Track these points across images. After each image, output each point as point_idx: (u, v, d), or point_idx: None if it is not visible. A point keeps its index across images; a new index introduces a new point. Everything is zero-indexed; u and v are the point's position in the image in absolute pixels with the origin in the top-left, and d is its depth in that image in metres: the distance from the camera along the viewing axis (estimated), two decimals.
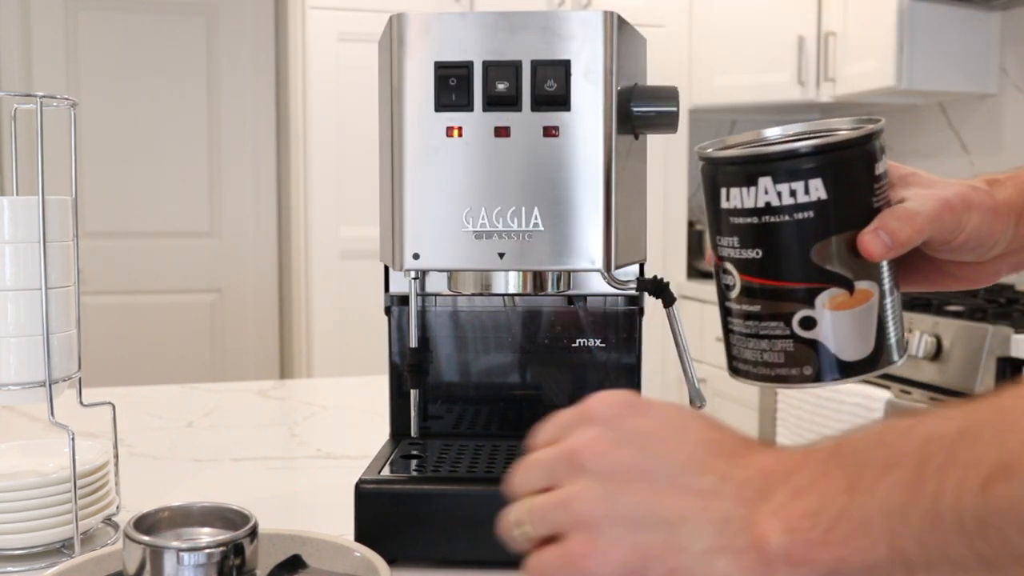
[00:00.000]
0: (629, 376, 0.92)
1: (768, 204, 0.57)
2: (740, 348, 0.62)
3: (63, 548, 0.82)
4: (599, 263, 0.77)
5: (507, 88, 0.76)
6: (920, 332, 2.26)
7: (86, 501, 0.82)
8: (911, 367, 2.29)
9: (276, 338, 3.79)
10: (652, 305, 0.88)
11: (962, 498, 0.36)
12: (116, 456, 0.89)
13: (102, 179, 3.56)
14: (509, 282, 0.81)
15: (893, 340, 0.61)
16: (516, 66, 0.76)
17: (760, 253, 0.59)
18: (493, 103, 0.76)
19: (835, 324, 0.59)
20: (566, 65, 0.76)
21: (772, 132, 0.66)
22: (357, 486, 0.78)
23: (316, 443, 1.23)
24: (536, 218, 0.77)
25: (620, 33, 0.77)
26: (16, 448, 0.91)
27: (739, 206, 0.59)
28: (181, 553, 0.63)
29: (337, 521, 0.83)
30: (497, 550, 0.78)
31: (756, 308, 0.60)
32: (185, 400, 1.48)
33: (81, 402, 0.85)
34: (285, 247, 3.66)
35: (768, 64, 3.25)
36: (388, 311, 0.92)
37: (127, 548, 0.64)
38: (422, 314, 0.92)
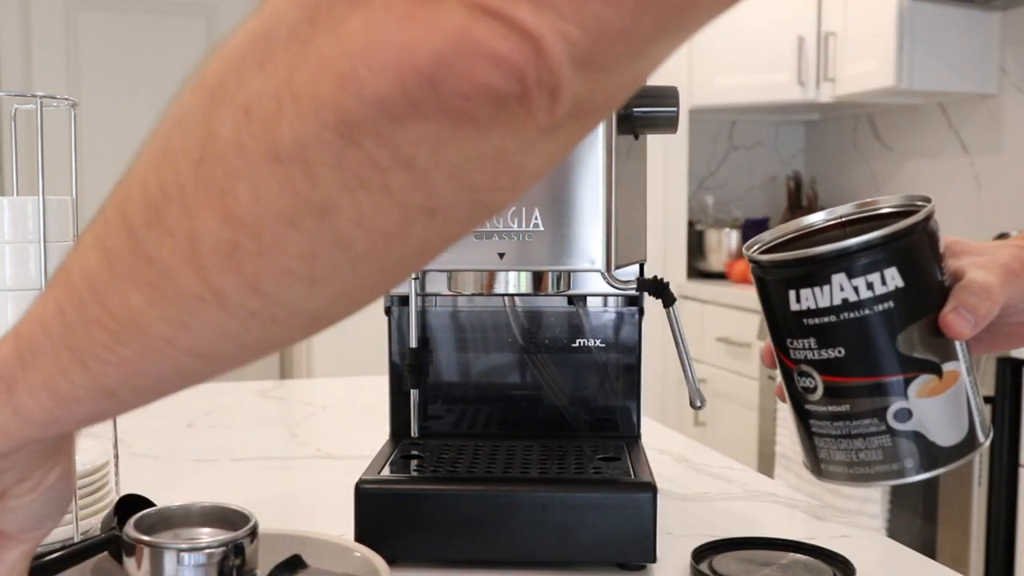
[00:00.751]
0: (629, 376, 0.92)
1: (846, 300, 0.56)
2: (830, 451, 0.60)
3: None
4: (599, 263, 0.77)
5: None
6: None
7: (86, 501, 0.82)
8: None
9: None
10: (652, 305, 0.88)
11: None
12: (116, 456, 0.89)
13: (102, 179, 3.55)
14: (509, 282, 0.81)
15: (981, 417, 0.60)
16: None
17: (843, 351, 0.57)
18: None
19: (930, 411, 0.58)
20: None
21: (816, 218, 0.65)
22: (357, 486, 0.78)
23: (316, 443, 1.23)
24: (536, 218, 0.77)
25: None
26: None
27: (813, 306, 0.57)
28: (181, 553, 0.63)
29: (337, 521, 0.83)
30: (497, 550, 0.78)
31: (845, 408, 0.58)
32: (185, 400, 1.48)
33: None
34: None
35: (768, 64, 3.25)
36: (388, 311, 0.92)
37: (127, 548, 0.64)
38: (422, 314, 0.92)
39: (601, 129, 0.76)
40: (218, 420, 1.35)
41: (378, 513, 0.77)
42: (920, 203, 0.60)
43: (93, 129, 3.51)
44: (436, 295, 0.91)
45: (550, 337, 0.92)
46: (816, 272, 0.56)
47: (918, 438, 0.58)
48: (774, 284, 0.59)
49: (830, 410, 0.59)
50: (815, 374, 0.59)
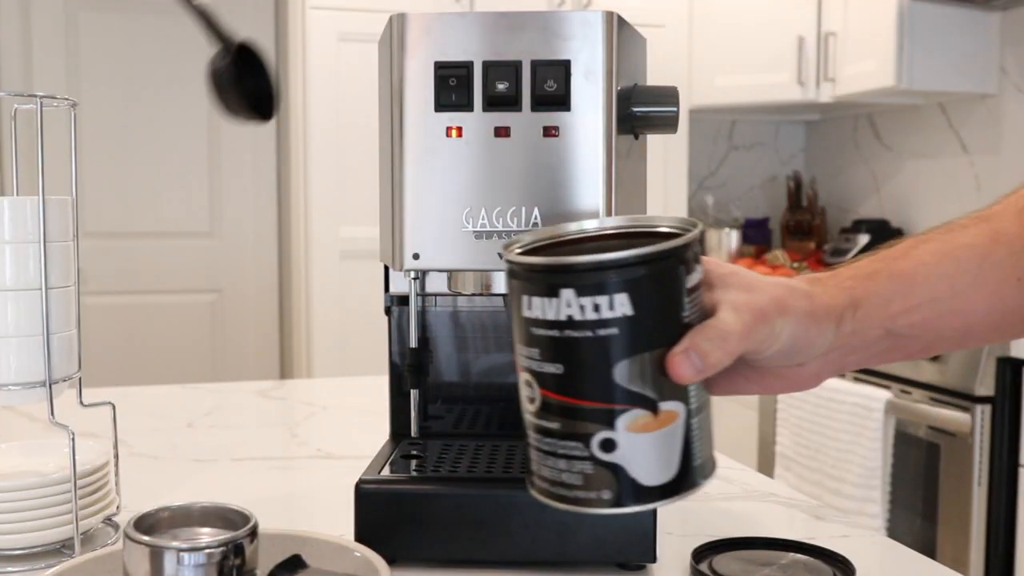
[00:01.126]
0: None
1: (571, 318, 0.53)
2: (539, 465, 0.58)
3: (63, 548, 0.82)
4: None
5: (507, 88, 0.76)
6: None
7: (86, 501, 0.82)
8: (911, 367, 2.29)
9: (276, 338, 3.79)
10: None
11: None
12: (116, 456, 0.89)
13: (102, 179, 3.56)
14: None
15: (699, 461, 0.57)
16: (516, 66, 0.76)
17: (561, 368, 0.54)
18: (493, 103, 0.76)
19: (637, 448, 0.55)
20: (566, 65, 0.76)
21: (589, 225, 0.61)
22: (357, 486, 0.78)
23: (316, 443, 1.23)
24: (536, 218, 0.77)
25: (620, 33, 0.77)
26: (16, 448, 0.91)
27: (540, 317, 0.54)
28: (181, 553, 0.63)
29: (337, 521, 0.83)
30: (497, 550, 0.78)
31: (555, 425, 0.56)
32: (185, 400, 1.48)
33: (81, 402, 0.85)
34: (285, 247, 3.66)
35: (768, 64, 3.25)
36: (388, 311, 0.92)
37: (127, 548, 0.64)
38: (422, 314, 0.92)
39: (601, 129, 0.76)
40: (218, 420, 1.35)
41: (378, 513, 0.77)
42: (681, 230, 0.58)
43: (93, 129, 3.51)
44: (436, 295, 0.91)
45: None
46: (547, 283, 0.54)
47: (620, 471, 0.55)
48: (513, 286, 0.56)
49: (542, 424, 0.57)
50: (535, 385, 0.56)
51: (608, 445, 0.55)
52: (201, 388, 1.58)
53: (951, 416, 2.19)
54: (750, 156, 3.89)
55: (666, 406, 0.55)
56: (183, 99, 3.64)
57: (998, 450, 2.13)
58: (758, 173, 3.90)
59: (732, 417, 3.12)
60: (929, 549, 2.24)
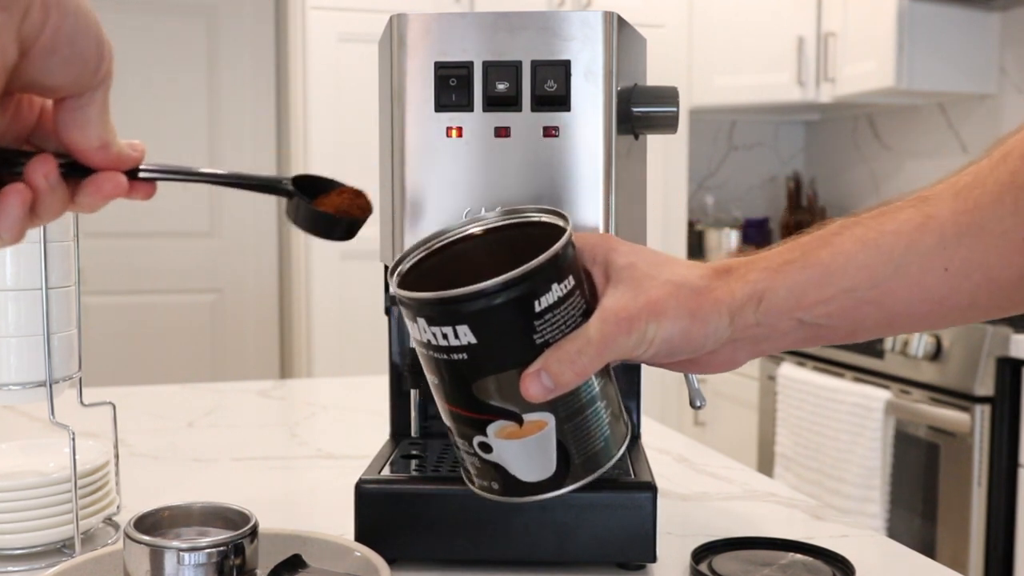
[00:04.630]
0: (629, 376, 0.91)
1: (429, 342, 0.57)
2: (456, 452, 0.63)
3: (63, 548, 0.82)
4: None
5: (507, 88, 0.76)
6: (920, 332, 2.26)
7: (86, 501, 0.82)
8: (911, 367, 2.29)
9: (276, 338, 3.79)
10: None
11: None
12: (116, 456, 0.90)
13: None
14: None
15: (581, 459, 0.60)
16: (516, 66, 0.76)
17: (436, 380, 0.59)
18: (493, 103, 0.76)
19: (509, 451, 0.59)
20: (566, 65, 0.76)
21: (468, 225, 0.64)
22: (357, 486, 0.78)
23: (316, 443, 1.23)
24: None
25: (620, 33, 0.77)
26: (16, 448, 0.91)
27: (413, 335, 0.59)
28: (181, 553, 0.63)
29: (337, 521, 0.83)
30: (497, 550, 0.78)
31: (449, 424, 0.61)
32: (185, 400, 1.48)
33: (81, 402, 0.85)
34: (285, 247, 3.66)
35: (768, 64, 3.25)
36: (388, 311, 0.92)
37: (127, 548, 0.64)
38: None
39: (601, 129, 0.76)
40: (218, 420, 1.35)
41: (378, 513, 0.77)
42: (554, 223, 0.60)
43: None
44: None
45: None
46: (407, 310, 0.58)
47: (499, 468, 0.60)
48: (399, 306, 0.60)
49: (446, 423, 0.62)
50: (432, 391, 0.61)
51: (485, 447, 0.60)
52: (201, 388, 1.58)
53: (951, 416, 2.19)
54: (750, 156, 3.89)
55: (532, 417, 0.58)
56: (183, 99, 3.64)
57: (998, 450, 2.13)
58: (758, 173, 3.90)
59: (732, 417, 3.12)
60: (929, 549, 2.24)
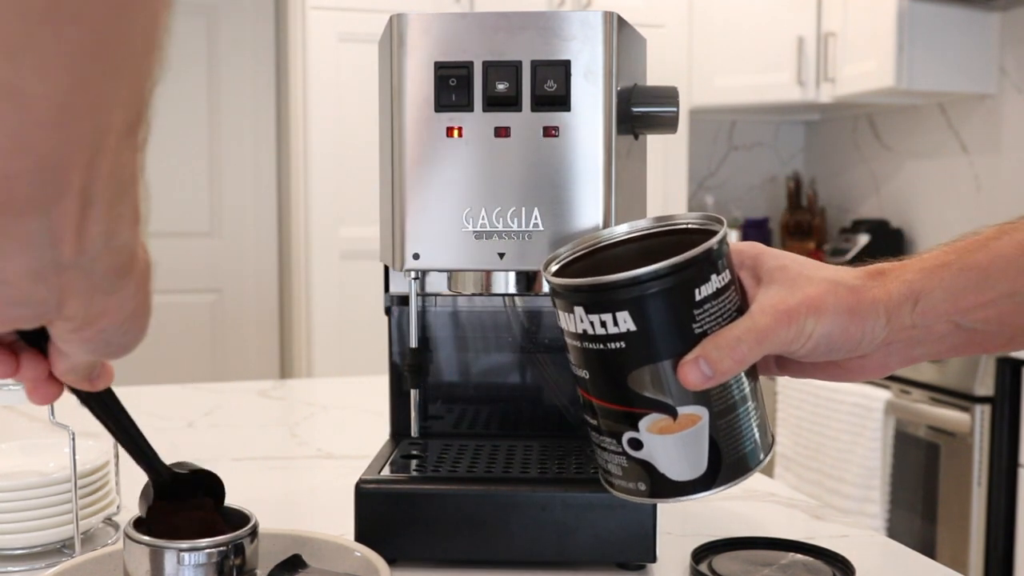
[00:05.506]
0: None
1: (585, 332, 0.57)
2: (594, 453, 0.63)
3: (63, 548, 0.82)
4: None
5: (507, 88, 0.76)
6: None
7: (86, 501, 0.82)
8: (911, 367, 2.29)
9: (276, 338, 3.79)
10: None
11: None
12: (116, 456, 0.89)
13: None
14: (509, 282, 0.81)
15: (733, 458, 0.60)
16: (516, 66, 0.76)
17: (587, 374, 0.59)
18: (493, 103, 0.76)
19: (660, 447, 0.58)
20: (566, 65, 0.76)
21: (620, 230, 0.65)
22: (357, 486, 0.78)
23: (316, 443, 1.23)
24: (536, 218, 0.77)
25: (620, 33, 0.77)
26: (16, 448, 0.91)
27: (566, 328, 0.59)
28: (181, 553, 0.63)
29: (337, 521, 0.83)
30: (497, 550, 0.78)
31: (594, 422, 0.61)
32: (185, 400, 1.48)
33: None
34: (285, 247, 3.66)
35: (768, 64, 3.25)
36: (388, 311, 0.92)
37: (127, 548, 0.64)
38: (422, 314, 0.92)
39: (601, 129, 0.76)
40: (218, 420, 1.35)
41: (378, 513, 0.77)
42: (705, 230, 0.60)
43: None
44: (436, 295, 0.91)
45: (550, 337, 0.92)
46: (564, 300, 0.58)
47: (649, 467, 0.59)
48: (553, 298, 0.60)
49: (587, 419, 0.61)
50: (578, 385, 0.61)
51: (635, 444, 0.59)
52: (201, 388, 1.58)
53: (951, 416, 2.19)
54: (750, 156, 3.89)
55: (686, 410, 0.57)
56: (183, 99, 3.64)
57: (998, 450, 2.13)
58: (758, 173, 3.90)
59: None
60: (929, 549, 2.24)
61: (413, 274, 0.85)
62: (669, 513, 0.92)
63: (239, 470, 1.10)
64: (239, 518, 0.67)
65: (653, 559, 0.77)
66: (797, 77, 3.19)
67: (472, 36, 0.76)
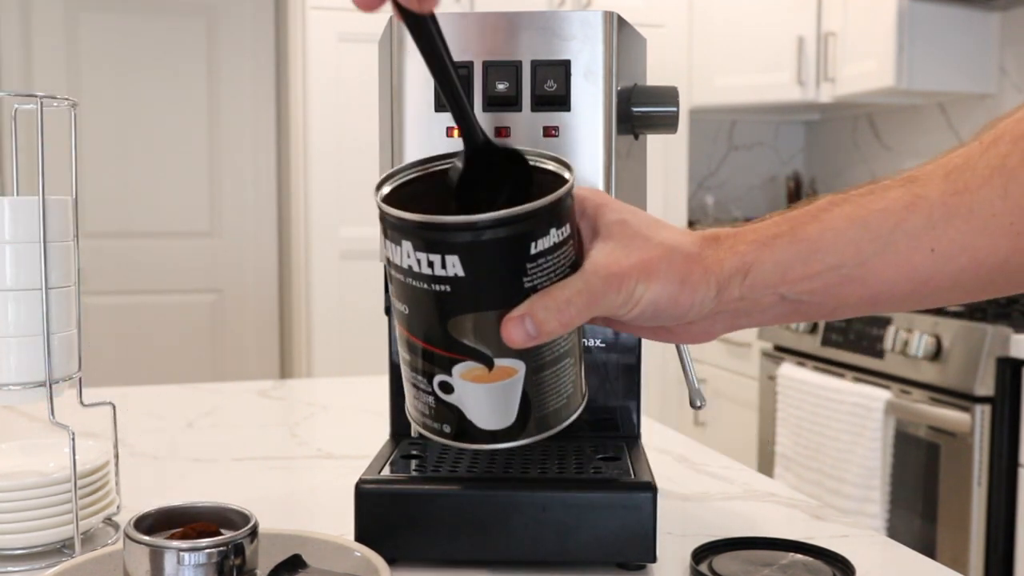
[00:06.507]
0: (629, 376, 0.92)
1: (410, 268, 0.54)
2: (407, 392, 0.60)
3: (63, 548, 0.82)
4: None
5: (507, 88, 0.76)
6: (920, 332, 2.26)
7: (86, 501, 0.82)
8: (911, 367, 2.29)
9: (276, 338, 3.79)
10: None
11: None
12: (116, 456, 0.89)
13: (102, 179, 3.56)
14: None
15: (543, 412, 0.58)
16: (516, 66, 0.76)
17: (407, 309, 0.56)
18: (493, 103, 0.76)
19: (471, 395, 0.57)
20: (566, 65, 0.76)
21: (455, 167, 0.59)
22: (357, 486, 0.78)
23: (316, 443, 1.23)
24: None
25: (620, 33, 0.77)
26: (16, 448, 0.91)
27: (391, 258, 0.55)
28: (181, 553, 0.63)
29: (337, 521, 0.83)
30: (497, 550, 0.78)
31: (407, 357, 0.58)
32: (185, 400, 1.48)
33: (81, 402, 0.85)
34: (285, 247, 3.66)
35: (768, 64, 3.25)
36: (388, 311, 0.92)
37: (127, 548, 0.64)
38: None
39: (601, 129, 0.76)
40: (218, 420, 1.35)
41: (378, 513, 0.77)
42: (556, 172, 0.57)
43: (93, 129, 3.51)
44: None
45: None
46: (391, 230, 0.54)
47: (456, 411, 0.57)
48: (381, 223, 0.56)
49: (402, 354, 0.59)
50: (396, 319, 0.58)
51: (446, 387, 0.57)
52: (201, 388, 1.58)
53: (951, 416, 2.19)
54: (750, 156, 3.89)
55: (503, 362, 0.56)
56: (183, 99, 3.64)
57: (998, 450, 2.13)
58: (758, 173, 3.90)
59: (732, 417, 3.12)
60: (929, 549, 2.24)
61: None
62: (669, 513, 0.92)
63: (239, 470, 1.10)
64: (239, 518, 0.67)
65: (653, 559, 0.77)
66: (797, 77, 3.19)
67: (472, 36, 0.76)
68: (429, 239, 0.53)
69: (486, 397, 0.57)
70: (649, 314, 0.58)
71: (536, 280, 0.55)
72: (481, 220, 0.52)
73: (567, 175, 0.57)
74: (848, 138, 3.64)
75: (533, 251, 0.54)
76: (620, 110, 0.77)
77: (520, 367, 0.56)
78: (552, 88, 0.76)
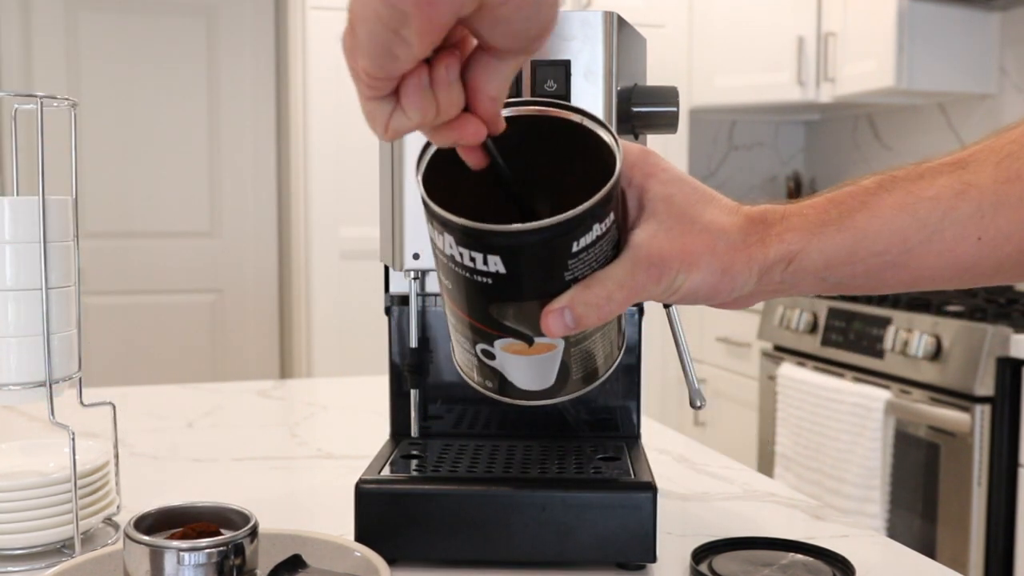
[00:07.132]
0: (629, 376, 0.92)
1: (452, 257, 0.54)
2: (453, 339, 0.61)
3: (63, 548, 0.82)
4: None
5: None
6: (920, 332, 2.26)
7: (86, 501, 0.82)
8: (911, 367, 2.29)
9: (276, 338, 3.79)
10: (652, 305, 0.88)
11: None
12: (116, 456, 0.89)
13: (102, 179, 3.56)
14: None
15: (580, 374, 0.60)
16: None
17: (451, 287, 0.57)
18: None
19: (512, 363, 0.58)
20: (566, 65, 0.76)
21: (504, 112, 0.55)
22: (357, 486, 0.78)
23: (316, 443, 1.23)
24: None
25: (620, 33, 0.77)
26: (16, 448, 0.91)
27: (433, 240, 0.56)
28: (181, 553, 0.63)
29: (337, 521, 0.83)
30: (497, 550, 0.78)
31: (453, 320, 0.59)
32: (185, 400, 1.48)
33: (81, 402, 0.85)
34: (285, 247, 3.66)
35: (768, 64, 3.25)
36: (388, 311, 0.92)
37: (127, 548, 0.64)
38: (422, 314, 0.92)
39: None
40: (218, 420, 1.35)
41: (378, 513, 0.77)
42: (607, 142, 0.55)
43: (93, 129, 3.51)
44: (436, 295, 0.91)
45: None
46: (435, 221, 0.54)
47: (498, 373, 0.59)
48: (423, 205, 0.56)
49: (449, 318, 0.60)
50: (440, 287, 0.58)
51: (488, 354, 0.58)
52: (201, 388, 1.58)
53: (951, 416, 2.19)
54: (750, 156, 3.89)
55: (542, 340, 0.56)
56: (183, 99, 3.64)
57: (998, 450, 2.13)
58: (758, 173, 3.90)
59: (732, 417, 3.12)
60: (929, 549, 2.24)
61: (413, 274, 0.85)
62: (669, 513, 0.92)
63: (239, 470, 1.10)
64: (239, 518, 0.67)
65: (653, 559, 0.77)
66: (797, 77, 3.19)
67: None
68: (471, 240, 0.53)
69: (527, 366, 0.58)
70: (688, 300, 0.59)
71: (577, 272, 0.55)
72: (522, 229, 0.52)
73: (615, 157, 0.55)
74: (848, 138, 3.64)
75: (575, 249, 0.54)
76: (620, 110, 0.77)
77: (560, 344, 0.57)
78: (552, 88, 0.76)
